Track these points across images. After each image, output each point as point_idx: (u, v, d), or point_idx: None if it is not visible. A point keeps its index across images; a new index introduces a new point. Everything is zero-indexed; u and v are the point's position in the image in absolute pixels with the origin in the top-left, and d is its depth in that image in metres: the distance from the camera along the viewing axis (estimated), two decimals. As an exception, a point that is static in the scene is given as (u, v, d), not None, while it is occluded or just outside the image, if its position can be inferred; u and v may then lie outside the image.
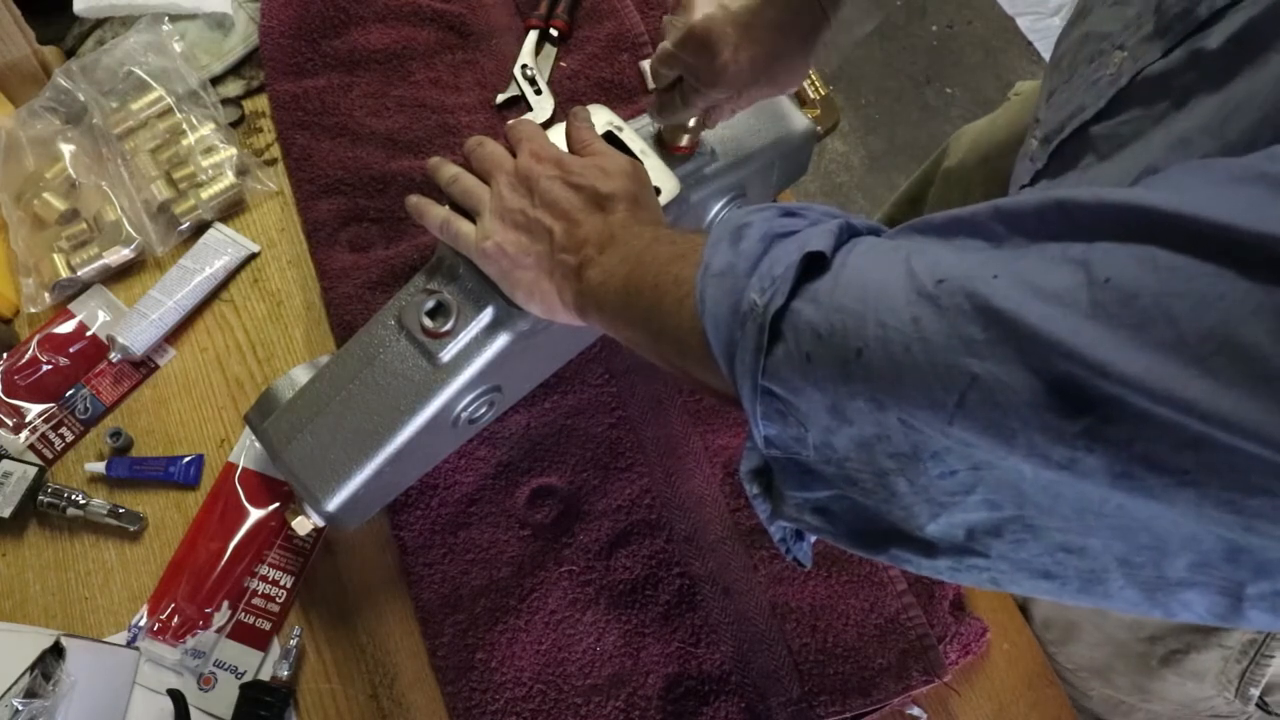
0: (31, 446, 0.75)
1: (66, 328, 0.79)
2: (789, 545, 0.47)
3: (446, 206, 0.60)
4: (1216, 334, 0.26)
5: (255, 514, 0.72)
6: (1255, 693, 0.65)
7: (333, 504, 0.59)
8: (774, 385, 0.39)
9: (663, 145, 0.66)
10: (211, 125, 0.84)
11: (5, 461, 0.72)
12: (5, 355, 0.78)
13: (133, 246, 0.80)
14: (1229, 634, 0.65)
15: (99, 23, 0.90)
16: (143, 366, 0.79)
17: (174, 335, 0.79)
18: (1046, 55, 2.14)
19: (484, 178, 0.59)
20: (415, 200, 0.62)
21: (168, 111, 0.84)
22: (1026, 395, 0.29)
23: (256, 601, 0.69)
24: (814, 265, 0.39)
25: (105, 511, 0.71)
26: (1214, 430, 0.26)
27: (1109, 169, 0.50)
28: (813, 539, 0.47)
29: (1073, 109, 0.54)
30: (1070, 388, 0.28)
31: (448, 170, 0.61)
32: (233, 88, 0.89)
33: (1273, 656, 0.64)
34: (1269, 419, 0.25)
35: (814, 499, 0.41)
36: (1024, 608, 0.76)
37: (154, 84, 0.84)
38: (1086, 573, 0.34)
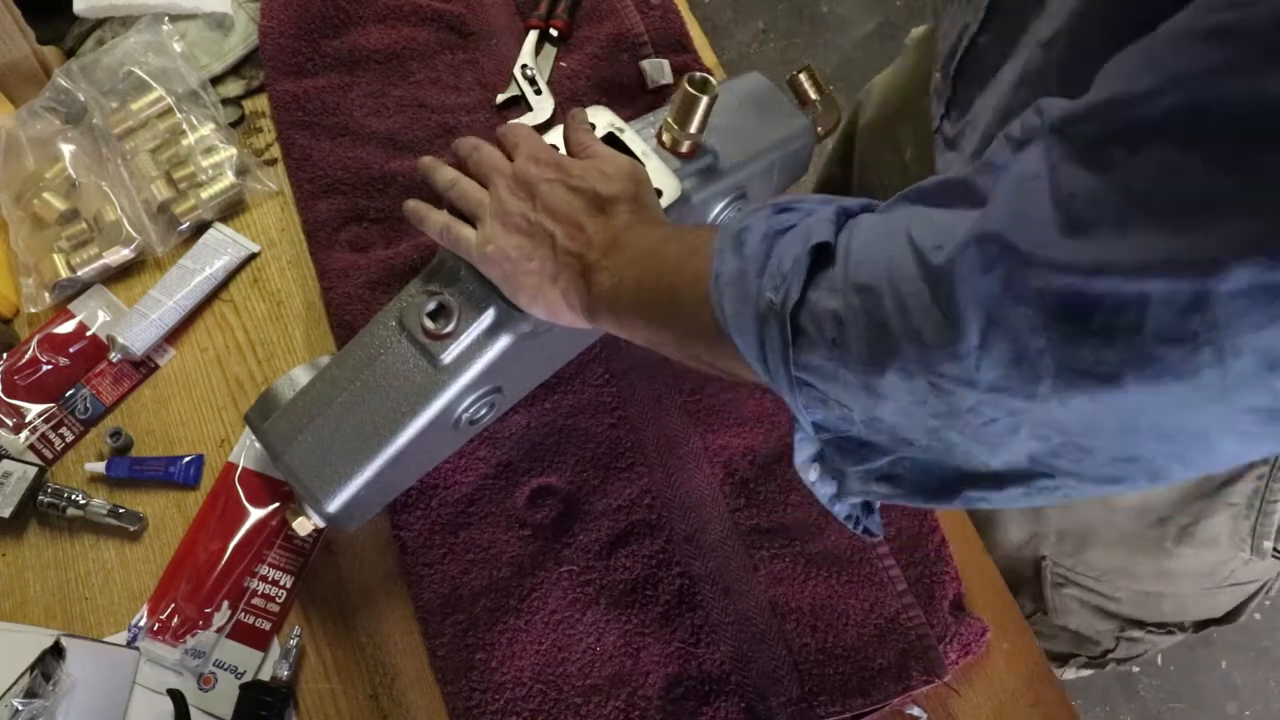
0: (31, 446, 0.75)
1: (66, 328, 0.79)
2: (859, 519, 0.49)
3: (445, 211, 0.60)
4: (1172, 194, 0.29)
5: (255, 514, 0.72)
6: (1269, 544, 0.66)
7: (333, 505, 0.59)
8: (807, 376, 0.40)
9: (665, 147, 0.66)
10: (211, 125, 0.84)
11: (5, 461, 0.72)
12: (5, 355, 0.78)
13: (133, 246, 0.80)
14: (1232, 491, 0.66)
15: (99, 23, 0.90)
16: (143, 366, 0.79)
17: (174, 335, 0.79)
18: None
19: (482, 181, 0.59)
20: (414, 205, 0.62)
21: (168, 111, 0.84)
22: (1039, 318, 0.31)
23: (256, 601, 0.69)
24: (821, 255, 0.40)
25: (105, 511, 0.71)
26: (1211, 284, 0.28)
27: (1003, 78, 0.52)
28: (879, 507, 0.49)
29: (959, 28, 0.56)
30: (1073, 297, 0.31)
31: (445, 174, 0.61)
32: (233, 88, 0.89)
33: (1275, 502, 0.65)
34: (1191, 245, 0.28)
35: (876, 468, 0.42)
36: (1036, 533, 0.77)
37: (154, 84, 0.84)
38: (1149, 472, 0.35)
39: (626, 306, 0.52)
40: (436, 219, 0.60)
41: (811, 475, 0.47)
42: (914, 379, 0.36)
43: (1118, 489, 0.37)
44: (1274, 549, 0.67)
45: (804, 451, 0.46)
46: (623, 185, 0.56)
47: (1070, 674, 0.91)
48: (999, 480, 0.39)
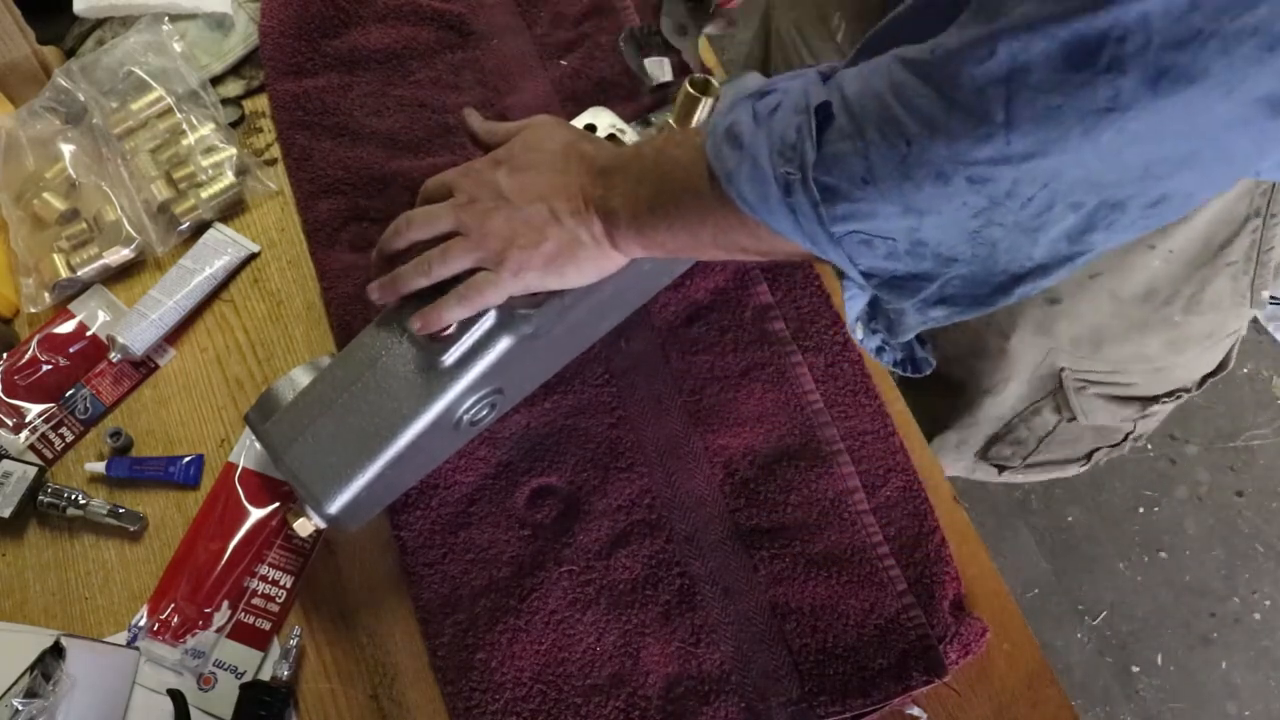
0: (31, 446, 0.75)
1: (66, 328, 0.79)
2: (914, 357, 0.52)
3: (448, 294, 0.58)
4: None
5: (255, 514, 0.72)
6: (1266, 294, 0.72)
7: (334, 506, 0.59)
8: (846, 225, 0.42)
9: None
10: (211, 125, 0.84)
11: (5, 461, 0.72)
12: (5, 355, 0.78)
13: (133, 246, 0.80)
14: (1230, 250, 0.69)
15: (99, 23, 0.90)
16: (143, 366, 0.79)
17: (174, 335, 0.79)
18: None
19: (455, 232, 0.58)
20: (426, 315, 0.58)
21: (168, 111, 0.84)
22: (1055, 61, 0.34)
23: (256, 601, 0.69)
24: (821, 115, 0.42)
25: (105, 511, 0.71)
26: None
27: None
28: (928, 346, 0.53)
29: None
30: (1077, 38, 0.33)
31: (415, 275, 0.58)
32: (233, 88, 0.89)
33: (1270, 250, 0.69)
34: None
35: (929, 295, 0.45)
36: (1051, 349, 0.82)
37: (154, 84, 0.84)
38: (1177, 207, 0.38)
39: (648, 220, 0.53)
40: (453, 309, 0.57)
41: (859, 334, 0.51)
42: (950, 181, 0.38)
43: (1149, 231, 0.40)
44: (1270, 297, 0.74)
45: (854, 309, 0.49)
46: (562, 134, 0.58)
47: (1099, 459, 0.97)
48: (1044, 270, 0.42)
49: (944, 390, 0.97)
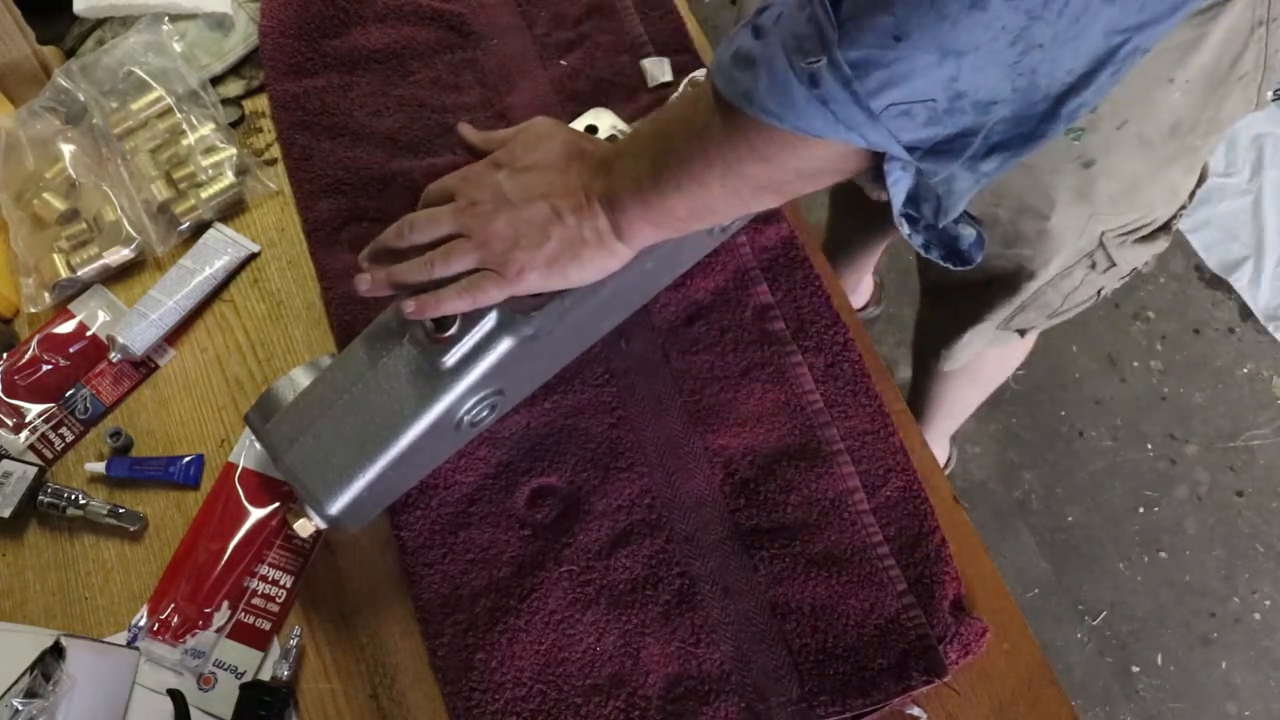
0: (31, 446, 0.75)
1: (66, 328, 0.79)
2: (958, 249, 0.51)
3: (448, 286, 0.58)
4: None
5: (255, 514, 0.72)
6: (1269, 95, 0.76)
7: (335, 507, 0.59)
8: (885, 98, 0.41)
9: None
10: (211, 125, 0.84)
11: (5, 461, 0.72)
12: (5, 355, 0.78)
13: (133, 246, 0.80)
14: (1242, 62, 0.71)
15: (99, 23, 0.90)
16: (143, 366, 0.79)
17: (174, 335, 0.79)
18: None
19: (458, 234, 0.58)
20: (424, 300, 0.58)
21: (168, 111, 0.84)
22: None
23: (256, 601, 0.69)
24: None
25: (105, 511, 0.71)
26: None
27: None
28: (973, 232, 0.51)
29: None
30: None
31: (415, 270, 0.58)
32: (233, 88, 0.89)
33: (1277, 52, 0.72)
34: None
35: (976, 150, 0.44)
36: (1092, 214, 0.83)
37: (154, 84, 0.84)
38: None
39: (653, 189, 0.53)
40: (450, 292, 0.57)
41: (905, 229, 0.49)
42: (987, 6, 0.37)
43: (1185, 10, 0.38)
44: (1272, 95, 0.77)
45: (899, 194, 0.47)
46: (560, 134, 0.58)
47: (1106, 293, 0.99)
48: (1086, 78, 0.41)
49: (981, 289, 0.98)
